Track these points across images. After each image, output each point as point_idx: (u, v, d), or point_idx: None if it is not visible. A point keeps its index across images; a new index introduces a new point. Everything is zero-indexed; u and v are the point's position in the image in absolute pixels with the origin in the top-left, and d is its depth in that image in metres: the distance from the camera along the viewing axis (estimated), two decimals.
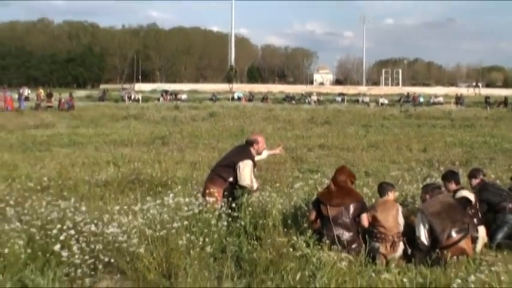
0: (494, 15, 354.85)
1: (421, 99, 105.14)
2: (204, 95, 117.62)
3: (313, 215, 10.67)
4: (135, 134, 35.14)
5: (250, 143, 12.12)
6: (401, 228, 10.46)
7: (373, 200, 11.71)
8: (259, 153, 12.27)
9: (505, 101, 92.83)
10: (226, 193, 11.33)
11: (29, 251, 8.69)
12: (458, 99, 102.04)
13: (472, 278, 8.08)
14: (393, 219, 10.41)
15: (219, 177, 11.70)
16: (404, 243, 10.38)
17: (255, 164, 11.95)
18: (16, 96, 72.32)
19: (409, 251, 10.29)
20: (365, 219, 10.47)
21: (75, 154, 24.41)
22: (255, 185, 11.72)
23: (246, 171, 11.47)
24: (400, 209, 10.72)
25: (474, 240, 10.64)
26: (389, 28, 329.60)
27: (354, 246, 10.10)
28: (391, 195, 11.00)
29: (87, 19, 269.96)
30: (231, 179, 11.54)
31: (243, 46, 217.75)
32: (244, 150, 12.03)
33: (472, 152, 27.49)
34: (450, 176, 12.19)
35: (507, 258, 10.29)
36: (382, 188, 11.11)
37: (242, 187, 11.25)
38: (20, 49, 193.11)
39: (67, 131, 37.32)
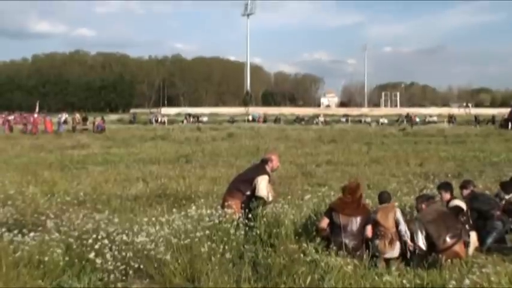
0: (482, 42, 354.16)
1: (417, 119, 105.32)
2: (223, 117, 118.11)
3: (325, 222, 10.70)
4: (162, 153, 35.03)
5: (265, 161, 12.26)
6: (404, 231, 10.42)
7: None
8: (273, 170, 12.38)
9: (492, 119, 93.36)
10: (243, 205, 11.39)
11: (66, 258, 8.72)
12: (451, 118, 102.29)
13: (467, 281, 8.06)
14: (392, 219, 10.48)
15: (237, 190, 11.81)
16: (404, 246, 10.38)
17: (269, 179, 12.04)
18: (55, 120, 72.66)
19: (408, 254, 10.27)
20: (369, 230, 10.53)
21: (108, 171, 24.36)
22: (270, 197, 11.80)
23: (262, 185, 11.60)
24: (398, 211, 10.75)
25: (466, 244, 10.65)
26: (388, 55, 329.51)
27: (358, 253, 10.13)
28: (390, 204, 11.06)
29: (119, 50, 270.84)
30: (248, 193, 11.64)
31: (257, 73, 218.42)
32: (260, 167, 12.17)
33: (464, 165, 27.35)
34: (445, 186, 12.28)
35: (496, 261, 10.28)
36: (383, 197, 11.18)
37: (258, 199, 11.35)
38: (58, 77, 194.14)
39: (101, 151, 37.29)
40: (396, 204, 11.83)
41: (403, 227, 10.45)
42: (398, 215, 10.59)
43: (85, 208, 13.31)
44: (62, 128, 67.69)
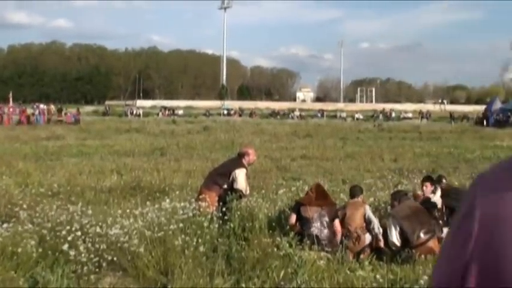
0: (458, 40, 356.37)
1: (393, 114, 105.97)
2: (199, 110, 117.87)
3: (293, 218, 10.72)
4: (137, 145, 34.80)
5: (242, 155, 12.40)
6: (376, 228, 10.54)
7: None
8: (249, 164, 12.49)
9: (467, 116, 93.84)
10: (219, 198, 11.45)
11: (40, 250, 8.68)
12: (423, 115, 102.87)
13: None
14: (360, 217, 10.67)
15: (214, 183, 11.88)
16: (374, 239, 10.50)
17: (247, 173, 12.16)
18: (30, 111, 72.06)
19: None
20: (337, 224, 10.62)
21: (82, 163, 24.21)
22: (248, 191, 11.96)
23: (241, 177, 11.74)
24: (367, 208, 10.87)
25: (440, 240, 10.70)
26: (364, 51, 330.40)
27: (330, 243, 10.21)
28: (360, 198, 11.17)
29: (95, 42, 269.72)
30: (225, 186, 11.71)
31: (233, 67, 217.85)
32: (238, 161, 12.30)
33: (438, 161, 27.45)
34: (432, 179, 12.49)
35: None
36: (354, 191, 11.31)
37: (236, 191, 11.42)
38: (34, 68, 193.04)
39: (75, 143, 37.08)
40: (371, 199, 11.91)
41: (376, 224, 10.54)
42: (368, 212, 10.69)
43: (59, 200, 13.21)
44: (41, 120, 66.97)
